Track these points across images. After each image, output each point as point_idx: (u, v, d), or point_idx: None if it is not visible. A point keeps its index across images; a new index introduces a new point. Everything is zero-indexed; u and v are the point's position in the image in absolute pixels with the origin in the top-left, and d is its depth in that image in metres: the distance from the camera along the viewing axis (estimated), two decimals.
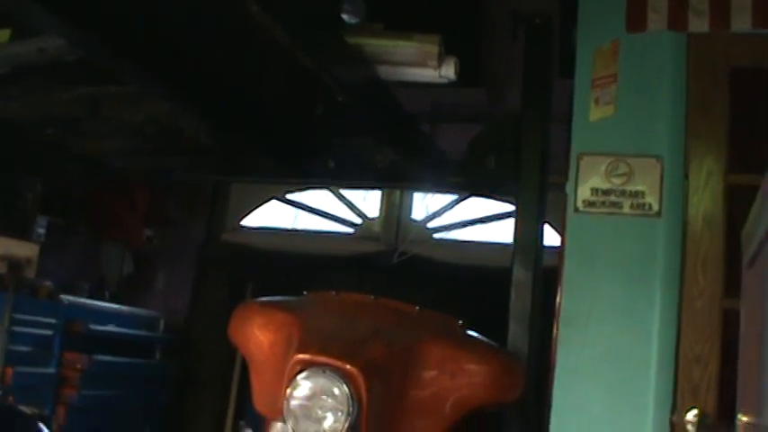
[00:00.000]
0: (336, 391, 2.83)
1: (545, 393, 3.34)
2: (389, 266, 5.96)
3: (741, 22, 3.19)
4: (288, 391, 2.88)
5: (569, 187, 3.33)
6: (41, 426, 4.28)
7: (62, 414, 5.16)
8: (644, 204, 3.22)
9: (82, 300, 5.70)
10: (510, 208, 5.67)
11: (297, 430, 2.89)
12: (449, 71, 3.04)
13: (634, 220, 3.23)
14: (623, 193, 3.24)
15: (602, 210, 3.25)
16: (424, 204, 6.45)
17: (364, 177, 3.95)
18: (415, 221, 6.34)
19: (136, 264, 6.49)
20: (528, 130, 3.67)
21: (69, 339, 5.31)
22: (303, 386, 2.87)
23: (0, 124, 3.34)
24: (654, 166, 3.23)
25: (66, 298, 5.42)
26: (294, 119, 3.39)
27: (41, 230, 5.64)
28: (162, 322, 6.28)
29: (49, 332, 5.21)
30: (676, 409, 3.05)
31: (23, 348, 5.05)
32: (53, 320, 5.25)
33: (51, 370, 5.17)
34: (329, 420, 2.85)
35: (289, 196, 6.69)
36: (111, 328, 5.72)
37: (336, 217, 6.59)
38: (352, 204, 6.52)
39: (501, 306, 3.55)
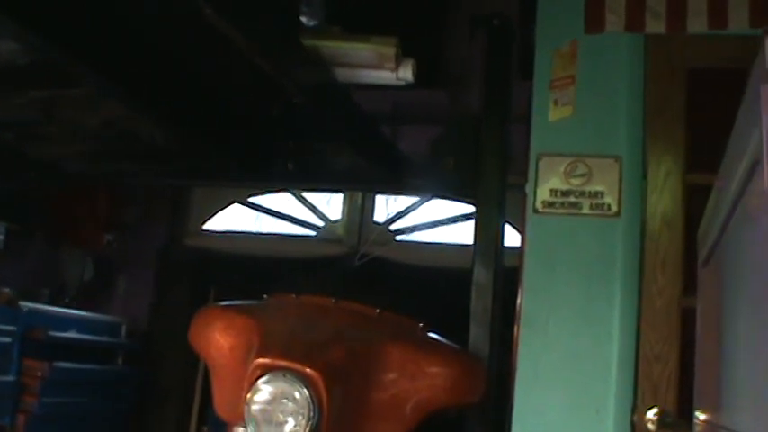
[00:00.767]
0: (297, 394, 2.82)
1: (507, 395, 3.34)
2: (351, 269, 5.95)
3: (697, 24, 3.22)
4: (248, 395, 2.87)
5: (529, 188, 3.34)
6: None
7: (22, 423, 5.08)
8: (603, 205, 3.23)
9: (41, 306, 5.63)
10: (472, 209, 5.69)
11: None
12: (406, 73, 3.03)
13: (593, 220, 3.24)
14: (582, 193, 3.25)
15: (561, 210, 3.26)
16: (386, 207, 6.44)
17: (324, 180, 3.93)
18: (378, 224, 6.34)
19: (96, 269, 6.42)
20: (487, 131, 3.67)
21: (29, 346, 5.23)
22: (263, 390, 2.86)
23: None
24: (612, 167, 3.25)
25: (25, 305, 5.35)
26: (252, 122, 3.38)
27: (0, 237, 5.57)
28: (123, 328, 6.21)
29: (7, 339, 5.13)
30: (637, 409, 3.06)
31: None
32: (12, 327, 5.17)
33: (10, 378, 5.10)
34: (290, 424, 2.84)
35: (251, 200, 6.65)
36: (71, 334, 5.64)
37: (298, 220, 6.57)
38: (314, 207, 6.50)
39: (462, 308, 3.55)
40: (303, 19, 3.19)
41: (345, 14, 3.21)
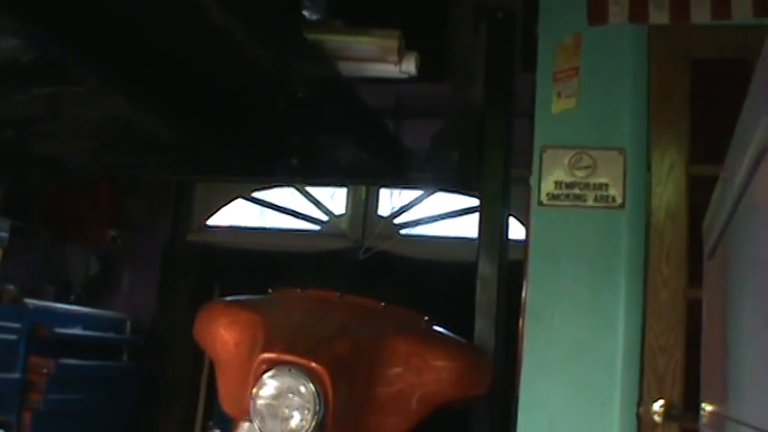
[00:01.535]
0: (302, 389, 2.83)
1: (512, 388, 3.34)
2: (355, 263, 5.94)
3: (701, 14, 3.20)
4: (254, 390, 2.87)
5: (533, 180, 3.34)
6: None
7: (28, 420, 5.09)
8: (607, 197, 3.22)
9: (46, 303, 5.63)
10: (476, 203, 5.68)
11: (264, 429, 2.88)
12: (409, 66, 3.02)
13: (598, 212, 3.23)
14: (587, 185, 3.24)
15: (565, 203, 3.26)
16: (390, 201, 6.43)
17: (328, 174, 3.93)
18: (382, 218, 6.33)
19: (101, 265, 6.43)
20: (491, 124, 3.67)
21: (34, 343, 5.24)
22: (269, 385, 2.87)
23: None
24: (617, 159, 3.24)
25: (30, 302, 5.35)
26: (255, 116, 3.37)
27: (4, 234, 5.56)
28: (128, 324, 6.21)
29: (13, 337, 5.14)
30: (642, 401, 3.06)
31: None
32: (17, 325, 5.18)
33: (16, 375, 5.10)
34: (296, 419, 2.84)
35: (254, 195, 6.65)
36: (76, 330, 5.65)
37: (302, 214, 6.57)
38: (318, 202, 6.50)
39: (467, 301, 3.55)
40: (305, 13, 3.19)
41: (347, 8, 3.20)
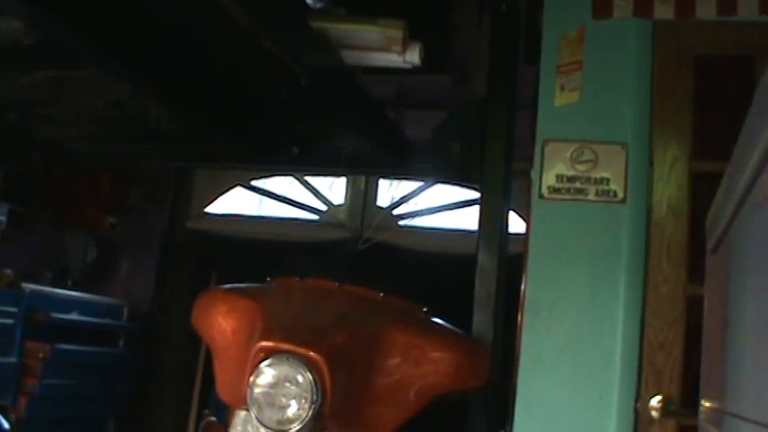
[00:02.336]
0: (300, 378, 2.82)
1: (510, 380, 3.33)
2: (354, 253, 5.94)
3: (706, 9, 3.20)
4: (251, 378, 2.87)
5: (534, 174, 3.33)
6: None
7: (23, 404, 5.09)
8: (609, 191, 3.21)
9: (44, 288, 5.63)
10: (476, 195, 5.68)
11: (260, 418, 2.88)
12: (413, 56, 3.02)
13: (599, 207, 3.22)
14: (588, 179, 3.23)
15: (566, 197, 3.25)
16: (389, 191, 6.43)
17: (329, 164, 3.92)
18: (381, 208, 6.33)
19: (99, 251, 6.42)
20: (493, 116, 3.65)
21: (31, 328, 5.24)
22: (266, 374, 2.86)
23: None
24: (619, 153, 3.23)
25: (27, 286, 5.35)
26: (258, 104, 3.36)
27: (2, 218, 5.55)
28: (126, 310, 6.21)
29: (9, 321, 5.13)
30: (640, 396, 3.05)
31: None
32: (14, 309, 5.18)
33: (12, 359, 5.10)
34: (293, 408, 2.83)
35: (254, 183, 6.64)
36: (73, 316, 5.65)
37: (301, 204, 6.56)
38: (317, 191, 6.49)
39: (466, 293, 3.54)
40: (309, 1, 3.18)
41: None
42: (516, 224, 4.00)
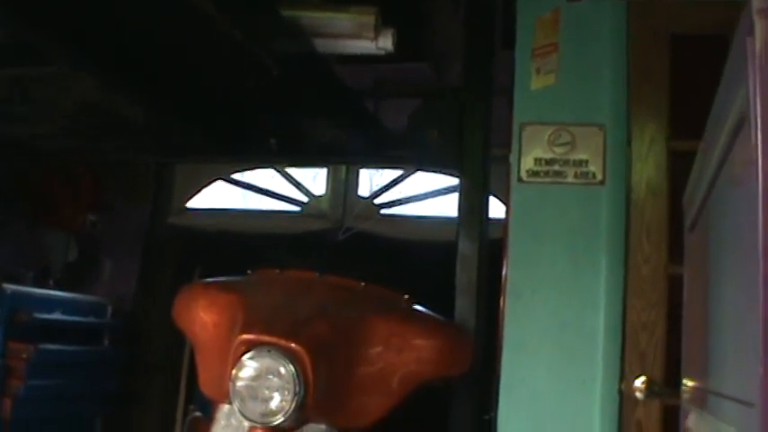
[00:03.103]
0: (282, 370, 2.81)
1: (493, 366, 3.32)
2: (335, 243, 5.92)
3: None
4: (233, 372, 2.86)
5: (512, 158, 3.31)
6: None
7: (8, 406, 5.05)
8: (587, 173, 3.21)
9: (26, 288, 5.59)
10: (456, 182, 5.67)
11: (244, 411, 2.87)
12: (386, 42, 3.00)
13: (578, 189, 3.22)
14: (567, 162, 3.22)
15: (545, 179, 3.24)
16: (371, 181, 6.41)
17: (307, 155, 3.90)
18: (362, 198, 6.31)
19: (80, 250, 6.38)
20: (470, 102, 3.64)
21: (14, 329, 5.19)
22: (248, 367, 2.85)
23: None
24: (596, 135, 3.22)
25: (8, 287, 5.30)
26: (230, 96, 3.34)
27: None
28: (109, 308, 6.17)
29: None
30: (624, 378, 3.05)
31: None
32: None
33: None
34: (276, 400, 2.82)
35: (234, 176, 6.61)
36: (56, 315, 5.61)
37: (283, 196, 6.53)
38: (298, 183, 6.46)
39: (448, 280, 3.53)
40: None
41: None
42: (496, 209, 3.98)
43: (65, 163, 5.78)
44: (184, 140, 3.72)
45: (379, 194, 6.33)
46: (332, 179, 6.36)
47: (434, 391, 3.39)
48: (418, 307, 3.40)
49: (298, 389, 2.79)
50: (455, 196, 5.80)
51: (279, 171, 6.44)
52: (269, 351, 2.83)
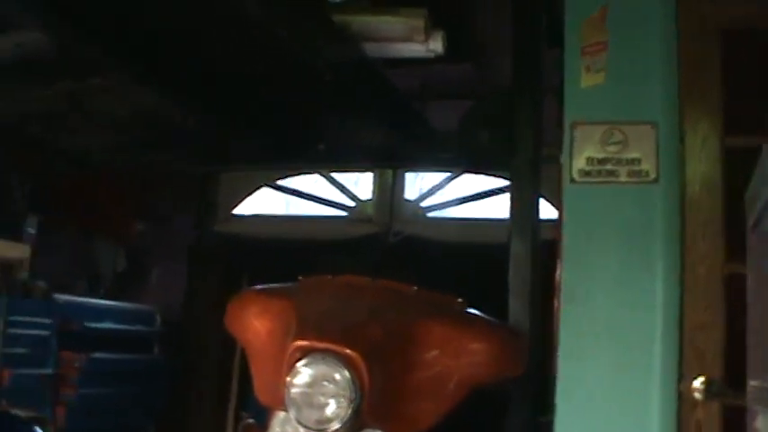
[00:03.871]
0: (337, 376, 2.80)
1: (549, 368, 3.29)
2: (385, 248, 5.92)
3: None
4: (288, 379, 2.85)
5: (564, 158, 3.28)
6: (37, 429, 4.23)
7: (61, 414, 5.10)
8: (640, 171, 3.16)
9: (76, 298, 5.65)
10: (503, 183, 5.64)
11: (299, 418, 2.86)
12: (436, 45, 2.99)
13: (631, 188, 3.18)
14: (619, 161, 3.18)
15: (598, 179, 3.20)
16: (416, 184, 6.40)
17: (355, 159, 3.90)
18: (409, 201, 6.30)
19: (129, 259, 6.44)
20: (520, 102, 3.61)
21: (65, 339, 5.25)
22: (303, 373, 2.84)
23: None
24: (648, 133, 3.18)
25: (60, 297, 5.36)
26: (283, 102, 3.34)
27: (32, 230, 5.57)
28: (158, 316, 6.22)
29: (44, 332, 5.15)
30: (683, 378, 3.01)
31: (19, 350, 4.99)
32: (48, 320, 5.19)
33: (48, 370, 5.12)
34: (331, 407, 2.81)
35: (279, 182, 6.63)
36: (107, 324, 5.67)
37: (329, 201, 6.54)
38: (343, 187, 6.46)
39: (499, 282, 3.51)
40: None
41: None
42: (545, 210, 3.95)
43: (114, 173, 5.83)
44: (234, 149, 3.73)
45: (426, 197, 6.32)
46: (378, 183, 6.35)
47: (490, 395, 3.37)
48: (471, 310, 3.37)
49: (353, 395, 2.78)
50: (500, 198, 5.82)
51: (324, 176, 6.44)
52: (323, 357, 2.82)
